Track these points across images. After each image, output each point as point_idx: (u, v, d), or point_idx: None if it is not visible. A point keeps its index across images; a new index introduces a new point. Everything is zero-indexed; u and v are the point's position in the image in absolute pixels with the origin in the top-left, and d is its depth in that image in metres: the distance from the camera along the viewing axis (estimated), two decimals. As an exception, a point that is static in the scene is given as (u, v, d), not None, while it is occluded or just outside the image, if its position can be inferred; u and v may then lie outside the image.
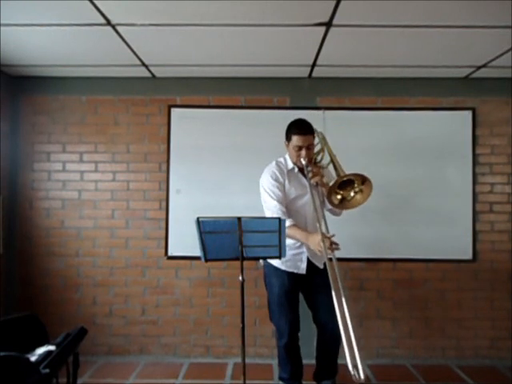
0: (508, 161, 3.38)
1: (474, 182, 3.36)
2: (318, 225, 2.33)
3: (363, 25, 2.41)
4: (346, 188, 2.36)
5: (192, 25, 2.43)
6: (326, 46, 2.74)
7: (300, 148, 2.45)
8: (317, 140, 2.57)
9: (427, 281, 3.36)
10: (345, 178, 2.29)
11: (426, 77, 3.34)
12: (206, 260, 2.38)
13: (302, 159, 2.45)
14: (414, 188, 3.34)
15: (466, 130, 3.36)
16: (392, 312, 3.37)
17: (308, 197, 2.51)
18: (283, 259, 2.48)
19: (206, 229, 2.29)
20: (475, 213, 3.35)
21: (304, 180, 2.54)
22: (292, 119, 2.55)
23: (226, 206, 3.28)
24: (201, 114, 3.39)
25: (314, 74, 3.32)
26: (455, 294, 3.36)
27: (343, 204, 2.40)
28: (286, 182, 2.54)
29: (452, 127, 3.36)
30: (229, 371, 3.16)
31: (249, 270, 3.10)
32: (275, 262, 2.56)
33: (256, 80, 3.39)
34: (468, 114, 3.37)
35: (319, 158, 2.60)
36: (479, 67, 3.12)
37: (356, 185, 2.34)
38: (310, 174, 2.44)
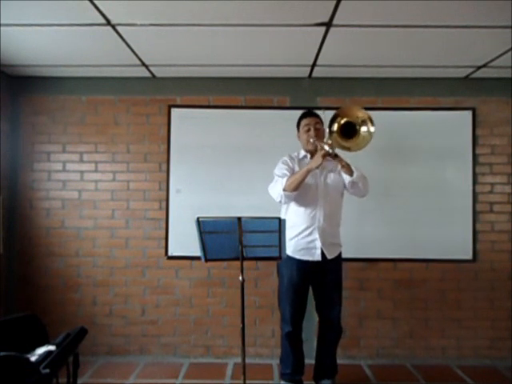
0: (508, 161, 3.37)
1: (474, 182, 3.36)
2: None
3: (363, 25, 2.41)
4: (350, 132, 2.46)
5: (192, 25, 2.43)
6: (325, 46, 2.74)
7: (309, 129, 2.63)
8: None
9: (427, 281, 3.36)
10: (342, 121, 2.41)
11: (426, 77, 3.34)
12: (206, 260, 2.38)
13: (311, 139, 2.59)
14: (414, 188, 3.33)
15: (466, 130, 3.36)
16: (392, 312, 3.37)
17: (320, 182, 2.59)
18: (297, 248, 2.60)
19: (206, 229, 2.29)
20: (475, 213, 3.35)
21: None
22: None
23: (226, 206, 3.28)
24: (201, 113, 3.39)
25: (314, 74, 3.31)
26: (455, 293, 3.36)
27: (355, 142, 2.48)
28: (296, 167, 2.66)
29: (452, 127, 3.36)
30: (229, 371, 3.16)
31: (249, 270, 3.10)
32: (289, 251, 2.59)
33: (256, 80, 3.39)
34: (468, 114, 3.36)
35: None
36: (479, 67, 3.12)
37: (355, 123, 2.45)
38: (321, 144, 2.48)
